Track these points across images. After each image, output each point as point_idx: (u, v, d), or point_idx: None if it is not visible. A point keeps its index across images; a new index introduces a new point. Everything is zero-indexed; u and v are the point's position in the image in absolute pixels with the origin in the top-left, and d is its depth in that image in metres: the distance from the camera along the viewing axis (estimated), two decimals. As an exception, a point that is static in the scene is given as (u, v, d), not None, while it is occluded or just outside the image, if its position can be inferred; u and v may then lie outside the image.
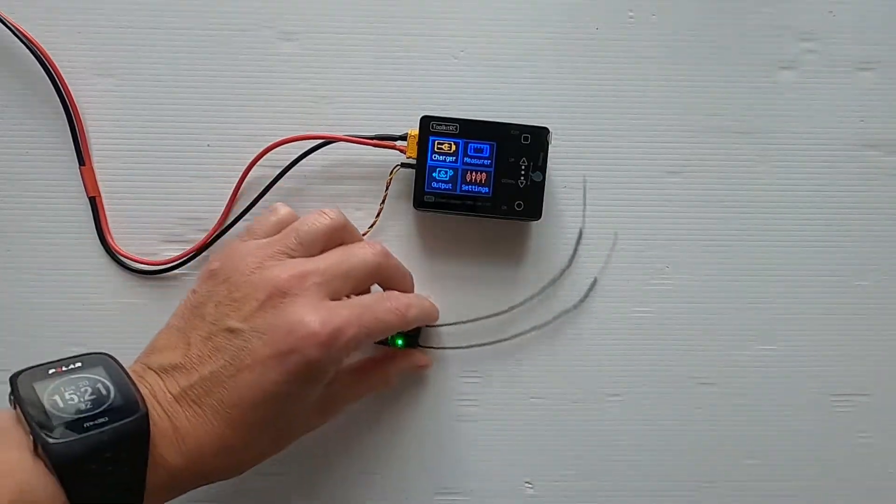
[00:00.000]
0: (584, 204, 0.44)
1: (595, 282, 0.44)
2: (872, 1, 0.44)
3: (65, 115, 0.42)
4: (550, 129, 0.41)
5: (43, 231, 0.43)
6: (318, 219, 0.37)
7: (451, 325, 0.44)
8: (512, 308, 0.44)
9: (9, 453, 0.29)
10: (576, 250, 0.44)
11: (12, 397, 0.31)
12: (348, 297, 0.37)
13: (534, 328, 0.44)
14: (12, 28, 0.42)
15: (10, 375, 0.31)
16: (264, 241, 0.37)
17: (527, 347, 0.44)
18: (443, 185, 0.41)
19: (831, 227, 0.45)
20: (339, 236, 0.38)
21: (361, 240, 0.40)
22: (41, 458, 0.28)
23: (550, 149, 0.42)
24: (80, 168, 0.43)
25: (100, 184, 0.43)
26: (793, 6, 0.44)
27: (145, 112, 0.43)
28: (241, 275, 0.35)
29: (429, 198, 0.41)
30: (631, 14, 0.44)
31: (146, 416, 0.31)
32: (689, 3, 0.44)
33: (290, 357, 0.32)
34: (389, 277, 0.39)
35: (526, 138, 0.41)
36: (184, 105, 0.43)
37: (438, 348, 0.44)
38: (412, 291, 0.42)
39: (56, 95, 0.42)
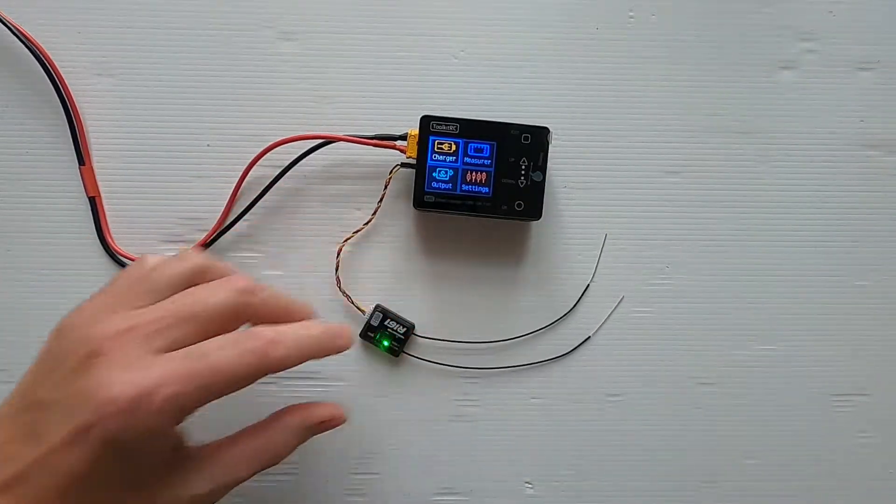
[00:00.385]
0: (598, 259, 0.44)
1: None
2: (872, 1, 0.44)
3: (64, 116, 0.42)
4: (550, 129, 0.41)
5: (43, 231, 0.43)
6: (172, 264, 0.32)
7: (444, 341, 0.44)
8: (510, 339, 0.44)
9: None
10: (579, 300, 0.44)
11: None
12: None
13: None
14: (12, 28, 0.42)
15: None
16: (112, 292, 0.32)
17: (527, 349, 0.44)
18: (443, 185, 0.41)
19: (831, 227, 0.45)
20: (201, 280, 0.33)
21: (231, 275, 0.33)
22: None
23: (550, 149, 0.42)
24: (79, 168, 0.43)
25: (100, 184, 0.43)
26: (793, 6, 0.44)
27: (145, 112, 0.43)
28: (67, 333, 0.30)
29: (429, 198, 0.41)
30: (631, 14, 0.44)
31: None
32: (689, 3, 0.44)
33: (90, 432, 0.27)
34: (264, 315, 0.33)
35: (526, 138, 0.41)
36: (184, 105, 0.43)
37: (429, 361, 0.44)
38: (318, 327, 0.34)
39: (56, 95, 0.42)
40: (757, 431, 0.45)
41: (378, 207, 0.43)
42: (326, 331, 0.33)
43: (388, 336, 0.43)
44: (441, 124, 0.41)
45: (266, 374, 0.31)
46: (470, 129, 0.41)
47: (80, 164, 0.43)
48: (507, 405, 0.44)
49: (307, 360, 0.33)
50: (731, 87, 0.44)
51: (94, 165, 0.43)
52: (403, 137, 0.42)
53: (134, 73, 0.43)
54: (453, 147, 0.41)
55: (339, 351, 0.34)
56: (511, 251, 0.44)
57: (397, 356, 0.43)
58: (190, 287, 0.32)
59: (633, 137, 0.44)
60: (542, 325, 0.44)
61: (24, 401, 0.29)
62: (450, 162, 0.41)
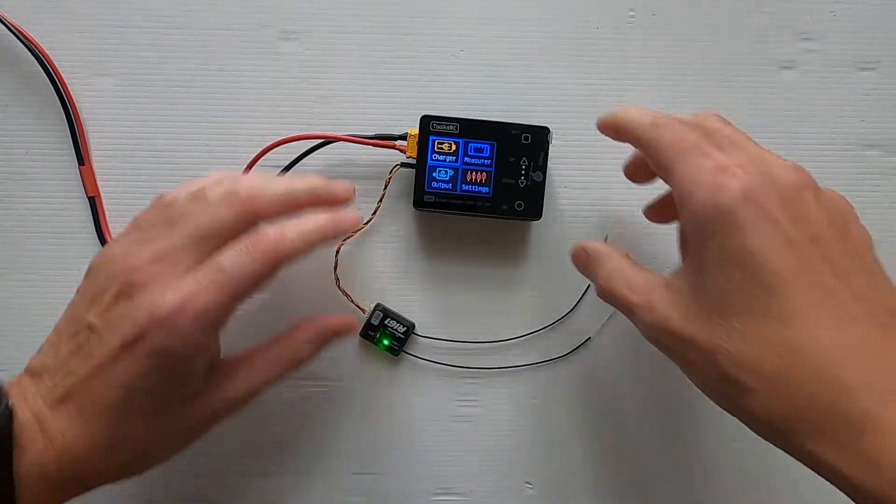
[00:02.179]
0: None
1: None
2: (872, 1, 0.44)
3: (64, 116, 0.42)
4: (551, 129, 0.41)
5: (43, 231, 0.43)
6: (185, 199, 0.34)
7: (444, 340, 0.44)
8: (510, 339, 0.44)
9: None
10: (579, 300, 0.44)
11: None
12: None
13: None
14: (12, 28, 0.42)
15: None
16: (134, 229, 0.35)
17: (527, 349, 0.44)
18: (443, 185, 0.41)
19: (831, 227, 0.45)
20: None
21: (234, 189, 0.35)
22: None
23: (550, 149, 0.42)
24: (79, 168, 0.43)
25: (100, 184, 0.43)
26: (793, 6, 0.44)
27: (145, 112, 0.43)
28: (105, 266, 0.33)
29: (429, 197, 0.41)
30: (631, 13, 0.44)
31: (7, 414, 0.30)
32: (689, 2, 0.44)
33: (137, 347, 0.31)
34: (271, 214, 0.35)
35: (526, 138, 0.41)
36: (184, 105, 0.43)
37: (429, 361, 0.44)
38: (321, 214, 0.36)
39: (55, 95, 0.42)
40: (757, 431, 0.45)
41: (378, 207, 0.43)
42: (329, 218, 0.35)
43: (388, 335, 0.43)
44: (441, 124, 0.41)
45: (281, 267, 0.33)
46: (470, 129, 0.41)
47: (79, 163, 0.43)
48: (507, 405, 0.44)
49: (315, 246, 0.35)
50: (732, 86, 0.44)
51: (94, 165, 0.43)
52: (403, 137, 0.42)
53: (134, 73, 0.43)
54: (453, 147, 0.41)
55: (346, 232, 0.37)
56: (511, 251, 0.44)
57: (397, 355, 0.43)
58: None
59: (634, 137, 0.44)
60: (542, 326, 0.44)
61: (75, 325, 0.33)
62: (450, 162, 0.41)
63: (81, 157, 0.43)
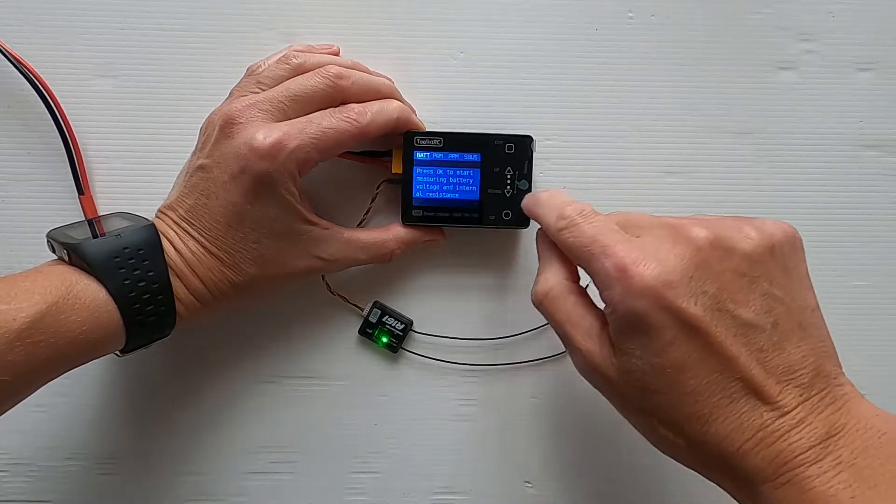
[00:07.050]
0: None
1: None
2: (872, 1, 0.44)
3: (64, 150, 0.42)
4: (534, 137, 0.41)
5: (44, 232, 0.43)
6: (277, 64, 0.39)
7: (443, 337, 0.44)
8: (509, 336, 0.44)
9: (49, 267, 0.35)
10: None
11: (49, 245, 0.38)
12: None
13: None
14: (14, 61, 0.41)
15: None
16: (232, 93, 0.40)
17: (526, 348, 0.44)
18: (430, 199, 0.41)
19: (830, 227, 0.45)
20: (302, 72, 0.39)
21: (326, 64, 0.40)
22: (76, 264, 0.35)
23: (550, 149, 0.42)
24: (79, 197, 0.43)
25: (100, 184, 0.43)
26: (793, 6, 0.44)
27: (145, 115, 0.43)
28: (207, 120, 0.39)
29: (417, 212, 0.42)
30: (630, 14, 0.44)
31: (153, 226, 0.37)
32: (688, 3, 0.44)
33: (242, 176, 0.36)
34: (354, 94, 0.39)
35: (510, 147, 0.41)
36: (185, 108, 0.43)
37: (428, 358, 0.44)
38: (397, 102, 0.41)
39: (54, 123, 0.42)
40: (756, 431, 0.45)
41: (363, 220, 0.43)
42: (400, 106, 0.40)
43: (386, 332, 0.43)
44: (425, 139, 0.41)
45: (360, 138, 0.38)
46: (454, 142, 0.41)
47: (79, 193, 0.43)
48: (507, 405, 0.44)
49: (390, 126, 0.39)
50: (731, 87, 0.44)
51: (95, 165, 0.43)
52: (389, 153, 0.42)
53: (135, 75, 0.43)
54: (438, 161, 0.41)
55: (414, 125, 0.41)
56: (501, 259, 0.44)
57: (396, 352, 0.44)
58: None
59: (633, 138, 0.44)
60: (542, 323, 0.44)
61: (188, 170, 0.38)
62: (436, 176, 0.41)
63: (81, 187, 0.43)
